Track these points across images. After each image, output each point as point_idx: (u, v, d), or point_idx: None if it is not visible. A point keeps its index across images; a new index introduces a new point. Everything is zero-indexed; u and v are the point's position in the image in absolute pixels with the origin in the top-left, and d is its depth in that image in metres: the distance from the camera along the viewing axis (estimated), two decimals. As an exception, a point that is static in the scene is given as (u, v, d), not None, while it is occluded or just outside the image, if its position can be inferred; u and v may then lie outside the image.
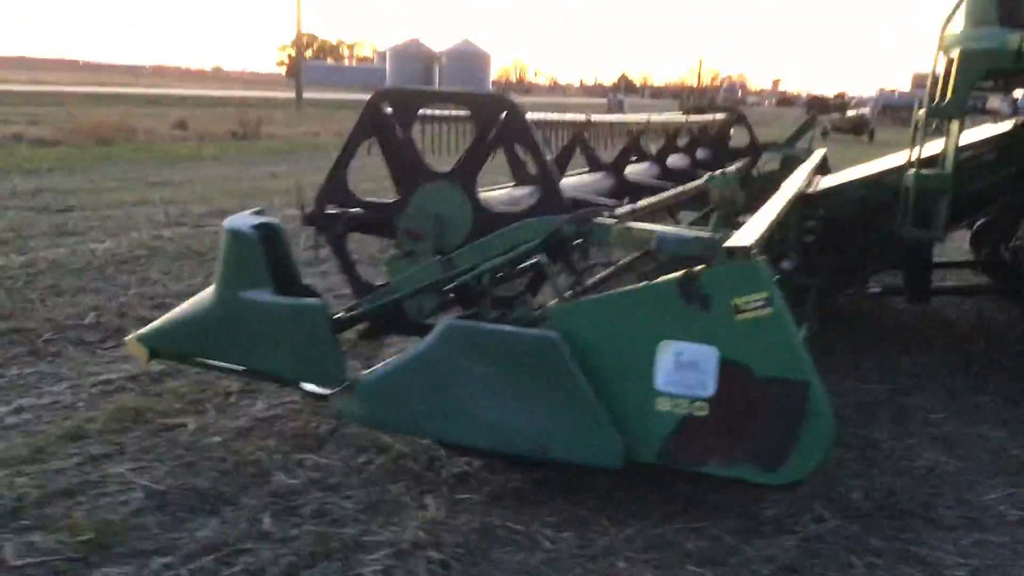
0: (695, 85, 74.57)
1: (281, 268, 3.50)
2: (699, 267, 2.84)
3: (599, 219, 3.17)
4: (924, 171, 4.78)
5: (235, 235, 3.48)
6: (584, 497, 3.18)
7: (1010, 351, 5.19)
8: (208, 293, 3.63)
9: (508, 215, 3.54)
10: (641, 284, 3.00)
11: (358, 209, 3.83)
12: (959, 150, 4.80)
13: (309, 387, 3.48)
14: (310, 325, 3.31)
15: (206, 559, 2.75)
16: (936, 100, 4.78)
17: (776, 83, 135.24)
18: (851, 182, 5.63)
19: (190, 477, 3.28)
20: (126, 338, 3.91)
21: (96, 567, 2.69)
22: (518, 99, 4.26)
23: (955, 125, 4.81)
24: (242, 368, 3.60)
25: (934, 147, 5.72)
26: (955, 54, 4.83)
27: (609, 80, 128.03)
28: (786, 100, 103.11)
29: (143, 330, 3.78)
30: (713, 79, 79.52)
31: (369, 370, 3.29)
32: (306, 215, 3.86)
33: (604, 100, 57.85)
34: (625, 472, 2.95)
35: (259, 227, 3.49)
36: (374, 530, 2.94)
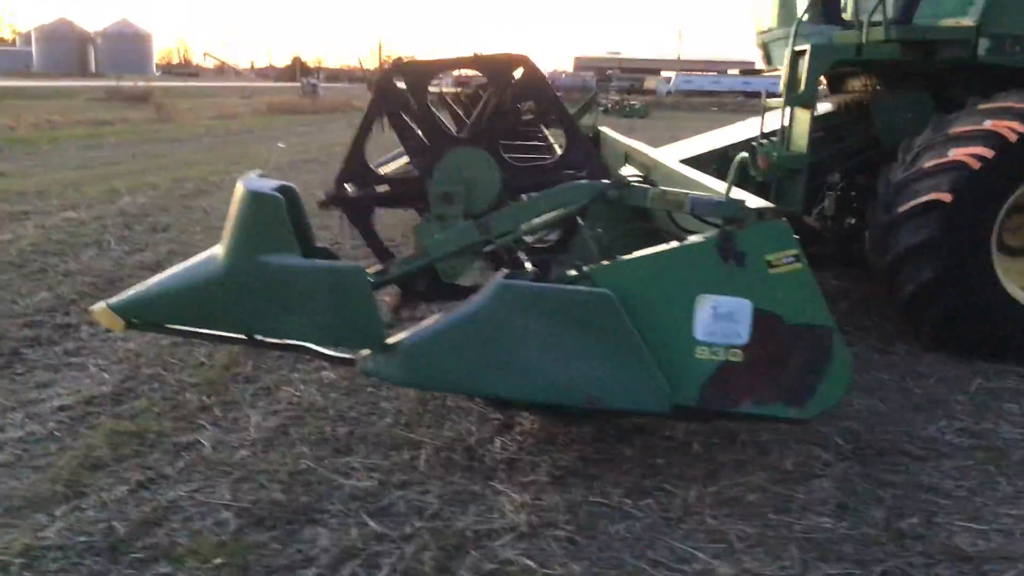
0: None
1: (299, 231, 3.40)
2: (732, 227, 3.19)
3: (637, 184, 3.45)
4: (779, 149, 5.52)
5: (257, 197, 3.28)
6: (626, 470, 3.50)
7: (870, 310, 5.99)
8: (211, 258, 3.42)
9: (543, 172, 3.68)
10: (679, 243, 3.28)
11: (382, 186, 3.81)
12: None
13: (325, 351, 3.49)
14: (350, 288, 3.23)
15: (350, 564, 2.82)
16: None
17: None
18: (702, 155, 6.31)
19: (261, 491, 3.26)
20: (93, 307, 3.52)
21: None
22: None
23: (806, 111, 5.59)
24: (249, 336, 3.47)
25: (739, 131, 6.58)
26: (798, 49, 5.62)
27: (283, 63, 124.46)
28: (460, 83, 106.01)
29: (115, 299, 3.45)
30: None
31: (408, 331, 3.33)
32: (327, 197, 3.79)
33: (278, 83, 56.67)
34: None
35: (281, 189, 3.36)
36: (478, 519, 3.12)
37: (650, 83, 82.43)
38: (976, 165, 4.79)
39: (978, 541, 3.07)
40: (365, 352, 3.35)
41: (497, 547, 2.95)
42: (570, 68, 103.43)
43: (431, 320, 3.39)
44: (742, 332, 3.17)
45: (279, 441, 3.70)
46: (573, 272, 3.30)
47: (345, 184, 3.78)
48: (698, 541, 3.03)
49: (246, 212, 3.29)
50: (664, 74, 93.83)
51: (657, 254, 3.24)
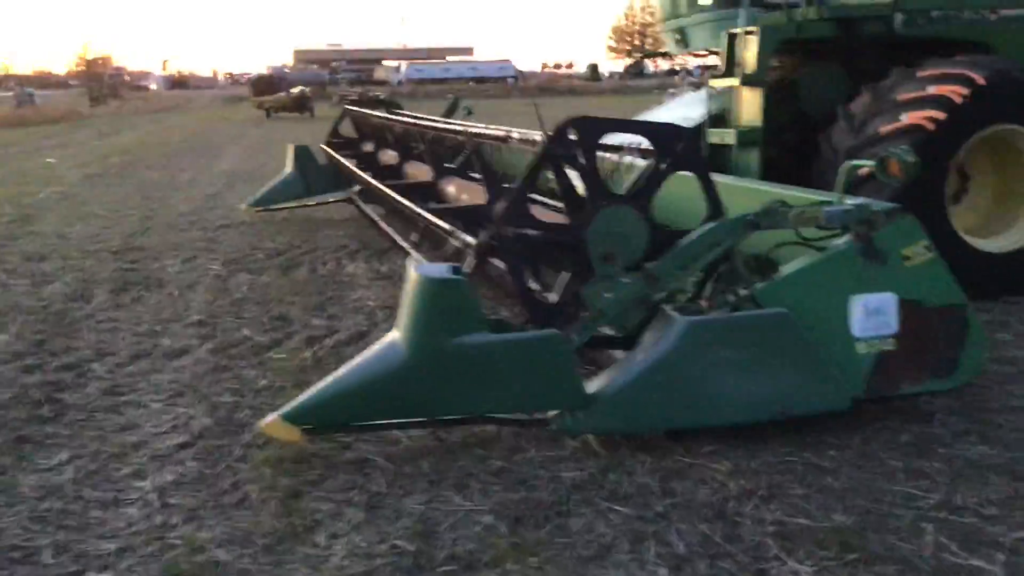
0: (102, 70, 69.79)
1: None
2: (866, 230, 3.50)
3: (781, 208, 3.61)
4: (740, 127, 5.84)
5: (442, 283, 3.34)
6: (684, 448, 3.48)
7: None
8: (391, 349, 3.42)
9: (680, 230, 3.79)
10: (824, 254, 3.55)
11: (537, 232, 3.77)
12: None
13: (510, 416, 3.53)
14: (553, 354, 3.35)
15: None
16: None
17: (166, 63, 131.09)
18: None
19: (517, 493, 3.14)
20: (262, 422, 3.46)
21: None
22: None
23: (756, 89, 5.91)
24: (433, 418, 3.48)
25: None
26: (734, 31, 5.93)
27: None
28: (180, 82, 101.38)
29: (286, 409, 3.41)
30: (103, 63, 75.14)
31: (598, 384, 3.44)
32: (483, 242, 3.76)
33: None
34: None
35: (458, 272, 3.43)
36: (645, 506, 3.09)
37: (379, 73, 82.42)
38: (931, 127, 5.25)
39: None
40: (553, 412, 3.41)
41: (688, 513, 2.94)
42: (290, 62, 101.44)
43: (615, 369, 3.51)
44: (891, 323, 3.51)
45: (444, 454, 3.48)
46: (731, 297, 3.56)
47: (506, 228, 3.67)
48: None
49: (429, 298, 3.34)
50: (388, 63, 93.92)
51: (810, 266, 3.52)
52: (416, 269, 3.43)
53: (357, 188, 8.72)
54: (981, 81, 5.29)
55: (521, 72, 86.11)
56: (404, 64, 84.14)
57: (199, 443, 3.65)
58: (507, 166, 6.43)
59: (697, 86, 7.83)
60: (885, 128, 5.41)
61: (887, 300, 3.52)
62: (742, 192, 3.93)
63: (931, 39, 6.02)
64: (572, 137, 3.71)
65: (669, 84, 63.40)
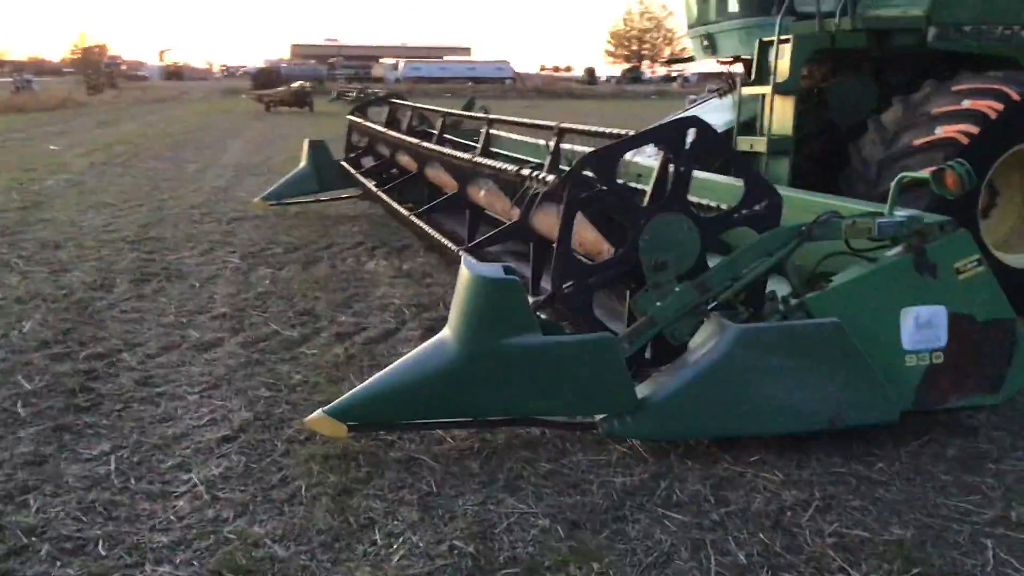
0: (98, 59, 69.36)
1: None
2: (918, 243, 3.49)
3: (834, 219, 3.60)
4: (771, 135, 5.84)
5: (493, 283, 3.31)
6: (732, 456, 3.48)
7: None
8: (441, 347, 3.41)
9: (729, 215, 3.79)
10: (876, 265, 3.54)
11: (593, 277, 3.77)
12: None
13: (558, 419, 3.53)
14: (605, 357, 3.32)
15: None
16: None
17: (163, 54, 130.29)
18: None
19: (570, 497, 3.12)
20: (308, 418, 3.45)
21: None
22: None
23: (789, 97, 5.90)
24: (481, 418, 3.46)
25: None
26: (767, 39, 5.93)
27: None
28: (175, 73, 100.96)
29: (333, 405, 3.40)
30: (99, 52, 74.54)
31: (648, 389, 3.42)
32: (544, 300, 3.78)
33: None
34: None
35: (509, 271, 3.39)
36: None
37: (377, 70, 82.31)
38: (965, 141, 5.24)
39: None
40: (601, 415, 3.39)
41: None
42: (287, 56, 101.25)
43: (668, 375, 3.47)
44: (941, 336, 3.51)
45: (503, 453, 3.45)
46: (781, 305, 3.55)
47: (564, 283, 3.69)
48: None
49: (482, 298, 3.31)
50: (386, 61, 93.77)
51: (863, 277, 3.52)
52: (469, 268, 3.40)
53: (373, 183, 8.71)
54: (1016, 97, 5.29)
55: (518, 73, 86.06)
56: (402, 62, 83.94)
57: (241, 437, 3.62)
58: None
59: (725, 92, 7.79)
60: (918, 141, 5.40)
61: (938, 313, 3.52)
62: (789, 202, 3.91)
63: (962, 53, 6.01)
64: (589, 174, 3.69)
65: (664, 89, 63.79)
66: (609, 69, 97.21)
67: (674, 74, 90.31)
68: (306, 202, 9.56)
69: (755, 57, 6.11)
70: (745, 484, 3.23)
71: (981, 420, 3.76)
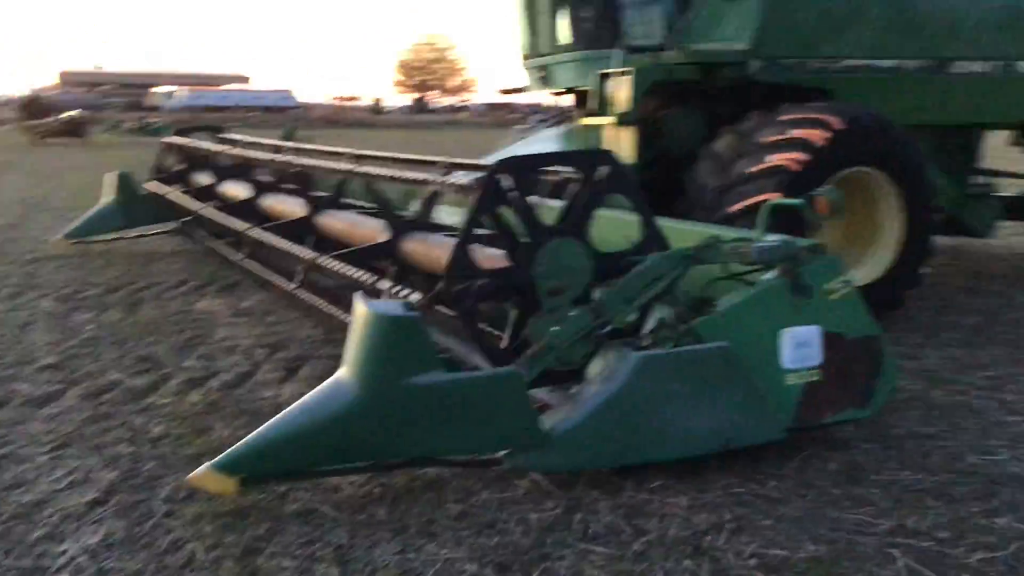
0: None
1: None
2: (792, 266, 3.65)
3: (718, 244, 3.69)
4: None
5: (395, 321, 3.18)
6: (634, 484, 3.51)
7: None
8: (337, 391, 3.22)
9: (622, 257, 3.80)
10: (756, 289, 3.67)
11: (485, 280, 3.67)
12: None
13: (460, 458, 3.43)
14: (510, 391, 3.26)
15: None
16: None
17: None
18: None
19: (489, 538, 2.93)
20: (192, 476, 3.13)
21: None
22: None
23: (630, 128, 6.07)
24: (390, 461, 3.31)
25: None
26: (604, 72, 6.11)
27: None
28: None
29: (220, 459, 3.12)
30: None
31: (551, 421, 3.37)
32: (434, 295, 3.66)
33: None
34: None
35: (408, 309, 3.28)
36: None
37: (151, 98, 78.84)
38: (795, 168, 5.56)
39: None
40: (505, 451, 3.33)
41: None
42: (54, 83, 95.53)
43: (568, 406, 3.46)
44: (817, 354, 3.67)
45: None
46: (666, 332, 3.62)
47: (456, 282, 3.60)
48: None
49: (383, 336, 3.18)
50: (160, 89, 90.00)
51: (745, 301, 3.62)
52: (368, 306, 3.26)
53: (187, 218, 8.28)
54: (839, 125, 5.66)
55: (304, 103, 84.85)
56: (181, 89, 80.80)
57: (112, 499, 3.30)
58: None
59: (556, 122, 7.92)
60: (752, 168, 5.67)
61: (813, 333, 3.67)
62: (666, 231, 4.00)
63: (782, 85, 6.38)
64: (505, 183, 3.66)
65: (453, 120, 64.71)
66: (397, 99, 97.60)
67: (458, 105, 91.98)
68: (111, 239, 8.96)
69: (597, 89, 6.24)
70: (655, 511, 3.23)
71: (850, 433, 3.94)
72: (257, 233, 5.95)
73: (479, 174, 3.80)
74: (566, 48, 7.05)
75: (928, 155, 6.28)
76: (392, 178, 4.64)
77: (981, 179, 8.09)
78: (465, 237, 3.67)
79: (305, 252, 5.21)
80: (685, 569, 2.85)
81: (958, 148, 7.67)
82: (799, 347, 3.66)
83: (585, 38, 6.85)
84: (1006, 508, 3.28)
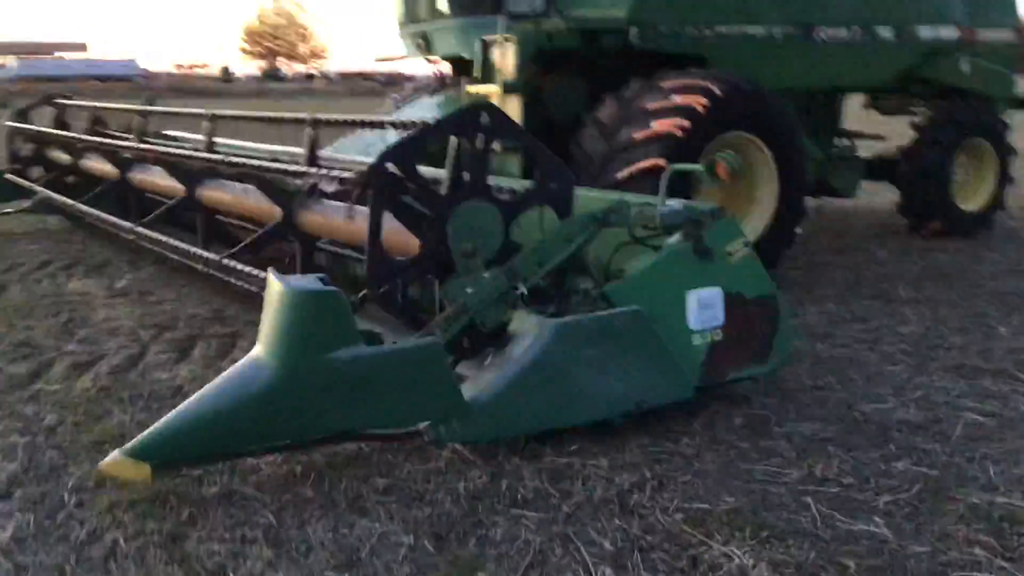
0: None
1: None
2: (695, 229, 3.77)
3: (625, 207, 3.75)
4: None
5: (313, 296, 3.12)
6: (552, 449, 3.61)
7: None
8: (254, 369, 3.14)
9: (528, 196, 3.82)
10: (664, 253, 3.77)
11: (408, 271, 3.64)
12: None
13: (382, 432, 3.39)
14: (431, 363, 3.25)
15: None
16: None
17: None
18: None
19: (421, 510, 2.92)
20: (103, 464, 2.99)
21: None
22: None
23: (515, 95, 6.08)
24: (311, 438, 3.25)
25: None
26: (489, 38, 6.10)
27: None
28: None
29: (131, 445, 2.99)
30: None
31: (470, 391, 3.36)
32: (361, 299, 3.66)
33: None
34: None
35: (327, 283, 3.21)
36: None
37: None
38: (680, 134, 5.71)
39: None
40: (425, 423, 3.29)
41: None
42: None
43: (488, 374, 3.45)
44: (719, 315, 3.81)
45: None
46: (579, 296, 3.70)
47: (381, 283, 3.57)
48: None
49: (300, 312, 3.13)
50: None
51: (653, 265, 3.74)
52: (283, 282, 3.18)
53: (40, 197, 7.87)
54: (719, 92, 5.82)
55: (149, 72, 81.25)
56: (13, 59, 76.08)
57: (16, 493, 3.14)
58: None
59: (435, 90, 7.85)
60: (638, 135, 5.78)
61: (715, 294, 3.81)
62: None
63: (661, 53, 6.51)
64: (395, 172, 3.61)
65: (307, 89, 63.14)
66: (246, 67, 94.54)
67: (313, 73, 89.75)
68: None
69: (480, 56, 6.22)
70: (577, 474, 3.29)
71: (749, 389, 4.10)
72: (148, 232, 5.75)
73: (363, 169, 3.74)
74: (442, 15, 6.98)
75: (797, 119, 6.53)
76: (282, 172, 4.55)
77: (845, 141, 8.48)
78: (374, 240, 3.60)
79: (209, 254, 5.05)
80: (616, 527, 2.91)
81: (823, 112, 8.02)
82: (704, 308, 3.78)
83: (463, 5, 6.79)
84: (903, 453, 3.49)
